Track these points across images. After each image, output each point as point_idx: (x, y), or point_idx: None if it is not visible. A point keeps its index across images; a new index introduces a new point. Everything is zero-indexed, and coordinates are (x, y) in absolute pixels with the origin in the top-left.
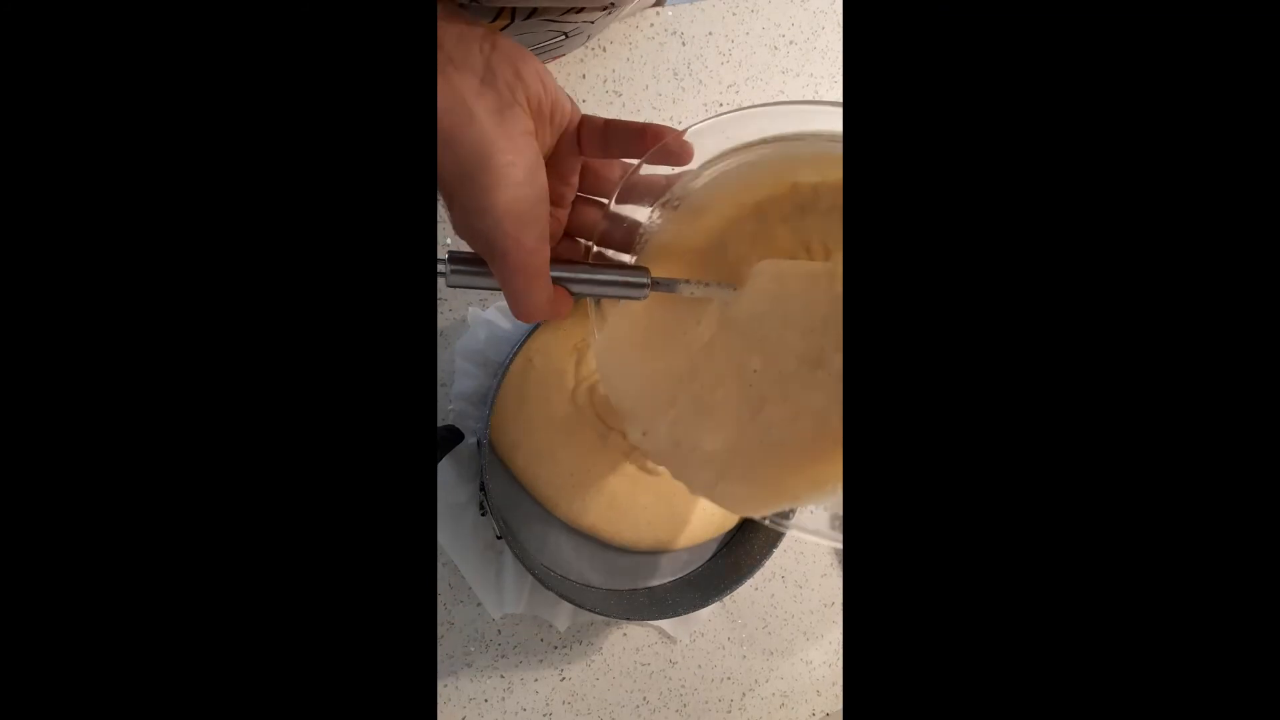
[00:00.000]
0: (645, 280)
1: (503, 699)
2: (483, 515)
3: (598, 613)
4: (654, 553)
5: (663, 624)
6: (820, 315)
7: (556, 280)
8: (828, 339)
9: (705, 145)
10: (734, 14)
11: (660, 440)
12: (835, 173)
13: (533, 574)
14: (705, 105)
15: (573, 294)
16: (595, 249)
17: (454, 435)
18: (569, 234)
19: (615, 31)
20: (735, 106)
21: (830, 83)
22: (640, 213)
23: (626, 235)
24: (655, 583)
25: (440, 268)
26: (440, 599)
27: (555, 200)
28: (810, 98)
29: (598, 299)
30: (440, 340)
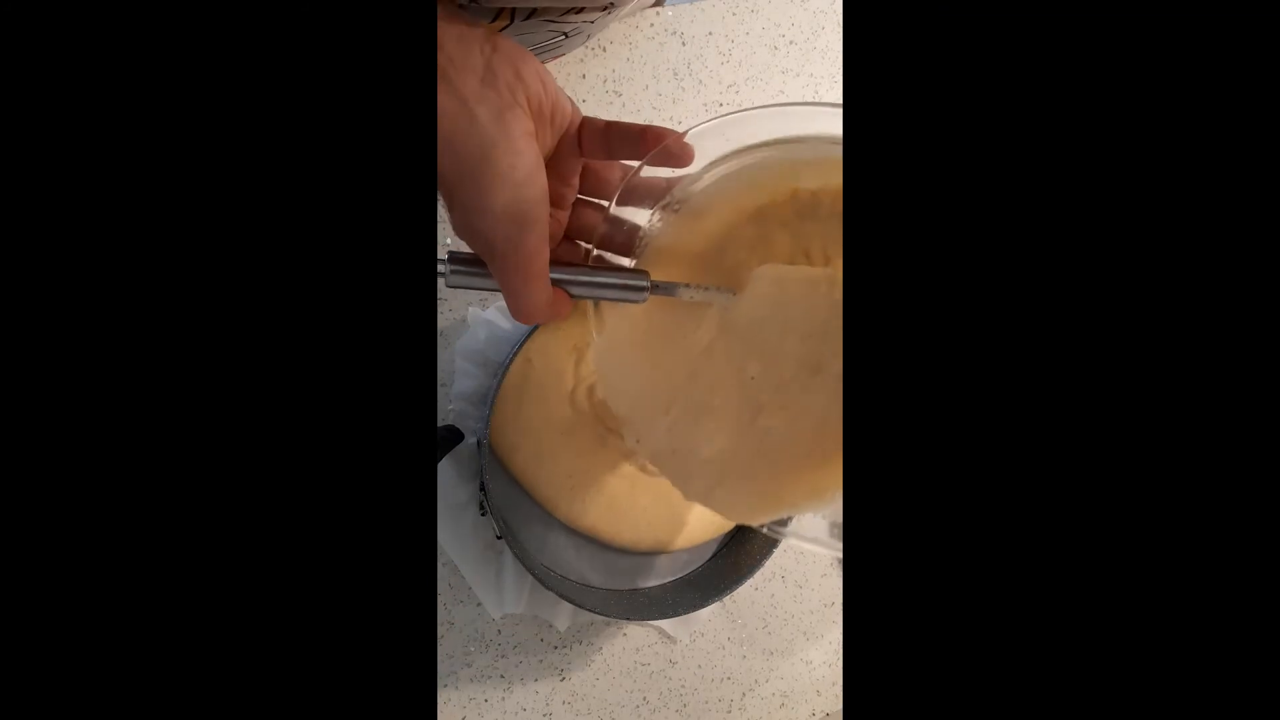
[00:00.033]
0: (645, 283)
1: (503, 699)
2: (483, 515)
3: (598, 613)
4: (654, 553)
5: (663, 624)
6: (820, 321)
7: (556, 282)
8: (827, 345)
9: (706, 147)
10: (734, 14)
11: (656, 445)
12: (835, 178)
13: (533, 574)
14: (705, 105)
15: (572, 296)
16: (595, 252)
17: (454, 435)
18: (569, 236)
19: (615, 31)
20: (735, 106)
21: (830, 83)
22: (640, 215)
23: (626, 238)
24: (655, 583)
25: (440, 268)
26: (440, 599)
27: (555, 202)
28: (810, 98)
29: (597, 301)
30: (440, 340)
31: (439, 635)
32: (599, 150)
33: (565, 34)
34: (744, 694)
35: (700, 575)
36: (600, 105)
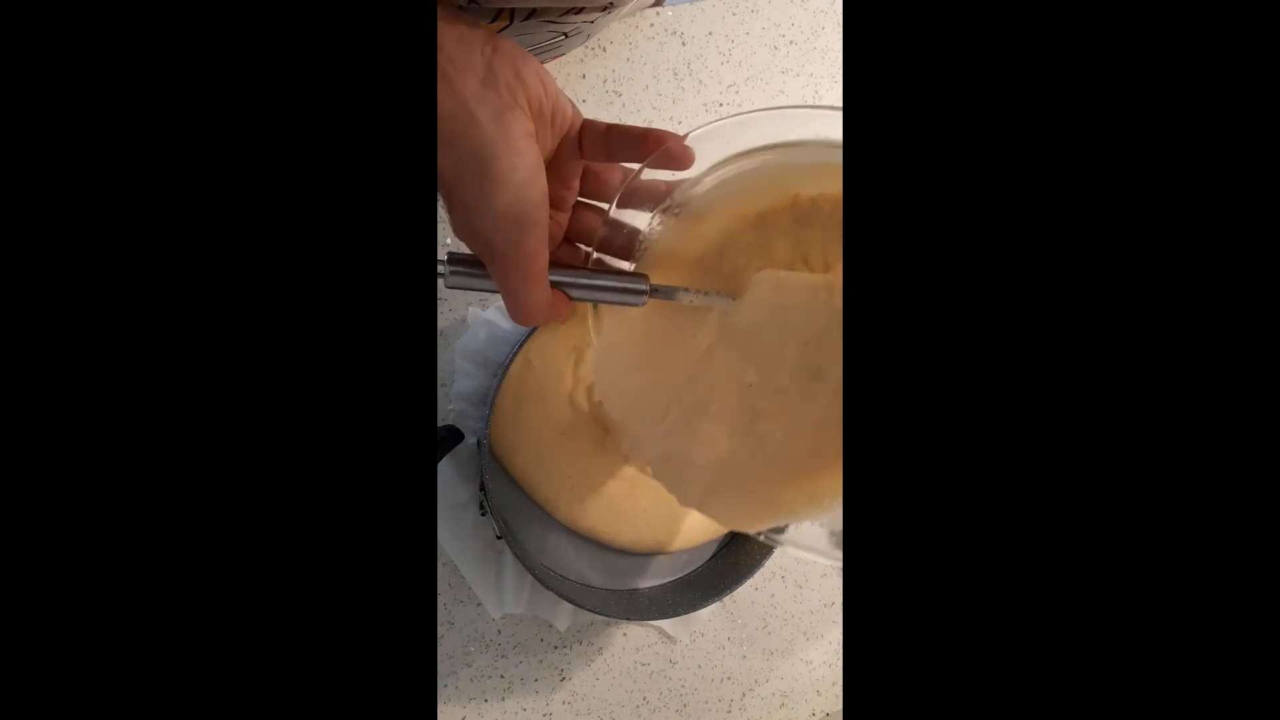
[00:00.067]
0: (644, 287)
1: (503, 699)
2: (483, 515)
3: (598, 613)
4: (654, 553)
5: (663, 624)
6: (819, 327)
7: (555, 284)
8: (825, 351)
9: (706, 150)
10: (734, 14)
11: (652, 452)
12: (835, 185)
13: (533, 574)
14: (705, 105)
15: (571, 298)
16: (595, 255)
17: (454, 435)
18: (568, 239)
19: (615, 31)
20: (735, 107)
21: (830, 83)
22: (640, 219)
23: (626, 241)
24: (655, 583)
25: (440, 269)
26: (440, 599)
27: (555, 204)
28: (810, 98)
29: (596, 304)
30: (440, 340)
31: (439, 635)
32: (599, 153)
33: (565, 34)
34: (744, 694)
35: (700, 575)
36: (600, 105)
